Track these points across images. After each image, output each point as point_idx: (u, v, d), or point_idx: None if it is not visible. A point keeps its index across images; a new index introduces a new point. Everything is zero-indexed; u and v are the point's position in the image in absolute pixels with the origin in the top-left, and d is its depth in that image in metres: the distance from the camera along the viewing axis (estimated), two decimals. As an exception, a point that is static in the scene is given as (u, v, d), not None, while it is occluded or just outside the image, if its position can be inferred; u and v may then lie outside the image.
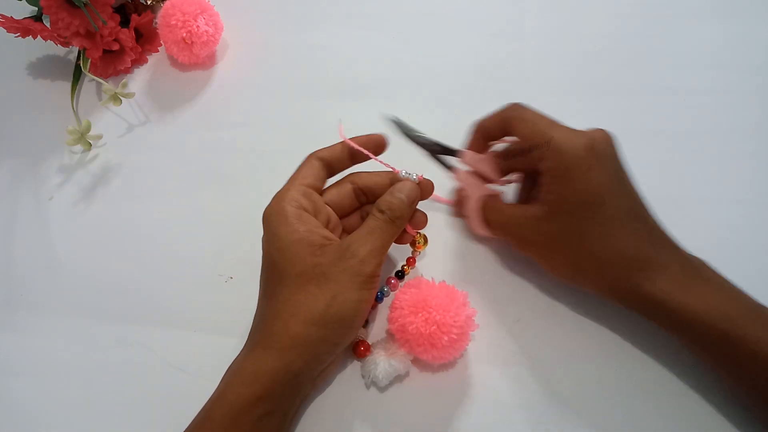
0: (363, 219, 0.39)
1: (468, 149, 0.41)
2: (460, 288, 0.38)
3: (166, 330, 0.41)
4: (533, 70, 0.51)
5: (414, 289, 0.37)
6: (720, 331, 0.33)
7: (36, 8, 0.50)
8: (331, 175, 0.39)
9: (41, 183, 0.48)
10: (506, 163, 0.39)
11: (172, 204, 0.47)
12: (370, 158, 0.39)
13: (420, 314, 0.35)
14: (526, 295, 0.41)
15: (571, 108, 0.43)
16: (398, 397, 0.38)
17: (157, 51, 0.54)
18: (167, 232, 0.45)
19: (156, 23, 0.52)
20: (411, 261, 0.41)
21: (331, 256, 0.34)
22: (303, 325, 0.33)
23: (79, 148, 0.49)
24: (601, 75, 0.51)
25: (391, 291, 0.41)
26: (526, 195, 0.41)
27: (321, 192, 0.39)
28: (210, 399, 0.34)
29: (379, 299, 0.40)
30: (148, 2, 0.55)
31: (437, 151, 0.42)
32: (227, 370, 0.34)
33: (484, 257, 0.43)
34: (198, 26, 0.49)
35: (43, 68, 0.54)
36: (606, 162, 0.35)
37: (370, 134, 0.39)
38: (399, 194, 0.36)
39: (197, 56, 0.51)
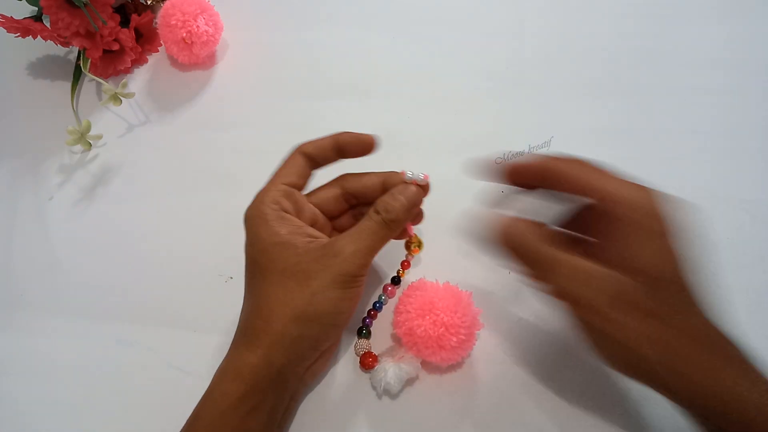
0: (356, 220, 0.38)
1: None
2: (461, 288, 0.38)
3: (166, 330, 0.41)
4: (533, 70, 0.51)
5: (419, 292, 0.37)
6: None
7: (36, 8, 0.50)
8: (316, 168, 0.39)
9: (41, 183, 0.48)
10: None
11: (172, 204, 0.47)
12: (359, 156, 0.38)
13: (427, 317, 0.35)
14: (526, 295, 0.41)
15: (571, 108, 0.43)
16: (411, 402, 0.38)
17: (157, 51, 0.54)
18: (167, 232, 0.45)
19: (156, 23, 0.52)
20: (405, 264, 0.41)
21: (314, 254, 0.33)
22: (283, 321, 0.33)
23: (79, 148, 0.49)
24: (601, 75, 0.51)
25: (389, 298, 0.41)
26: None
27: (305, 188, 0.38)
28: (201, 398, 0.34)
29: (377, 308, 0.40)
30: (148, 2, 0.55)
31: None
32: (217, 369, 0.34)
33: (483, 257, 0.43)
34: (198, 26, 0.49)
35: (43, 68, 0.54)
36: (672, 225, 0.29)
37: (360, 134, 0.38)
38: (399, 197, 0.35)
39: (197, 56, 0.51)
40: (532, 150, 0.38)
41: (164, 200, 0.47)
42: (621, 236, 0.29)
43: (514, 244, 0.31)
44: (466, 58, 0.52)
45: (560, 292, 0.30)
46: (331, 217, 0.39)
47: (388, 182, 0.37)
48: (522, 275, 0.31)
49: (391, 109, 0.50)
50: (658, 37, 0.52)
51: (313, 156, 0.38)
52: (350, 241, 0.34)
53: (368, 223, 0.35)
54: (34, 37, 0.49)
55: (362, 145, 0.38)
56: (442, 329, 0.35)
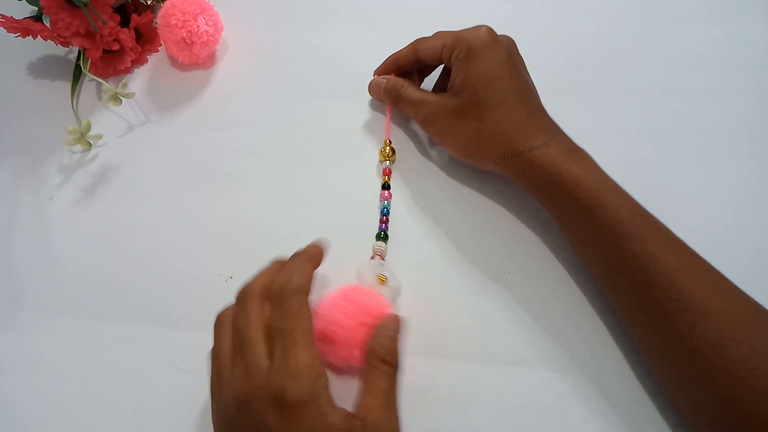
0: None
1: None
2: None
3: (166, 330, 0.41)
4: (532, 70, 0.51)
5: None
6: (587, 199, 0.36)
7: (36, 8, 0.50)
8: None
9: (41, 183, 0.48)
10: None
11: (172, 204, 0.47)
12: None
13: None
14: (527, 294, 0.41)
15: (568, 108, 0.43)
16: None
17: (157, 51, 0.54)
18: (167, 231, 0.45)
19: (156, 23, 0.52)
20: (387, 171, 0.46)
21: None
22: None
23: (79, 148, 0.49)
24: (599, 75, 0.51)
25: (389, 202, 0.44)
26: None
27: None
28: None
29: (385, 213, 0.44)
30: (148, 2, 0.55)
31: None
32: None
33: (486, 255, 0.43)
34: (198, 26, 0.49)
35: (43, 68, 0.54)
36: (504, 48, 0.41)
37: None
38: (387, 332, 0.34)
39: (197, 56, 0.51)
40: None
41: (164, 200, 0.47)
42: (453, 71, 0.42)
43: (391, 93, 0.46)
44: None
45: (415, 116, 0.45)
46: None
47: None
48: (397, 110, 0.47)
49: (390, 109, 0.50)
50: (655, 37, 0.52)
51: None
52: (382, 413, 0.31)
53: (385, 383, 0.32)
54: (34, 37, 0.49)
55: (323, 256, 0.37)
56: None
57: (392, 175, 0.46)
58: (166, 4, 0.50)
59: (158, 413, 0.38)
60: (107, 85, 0.47)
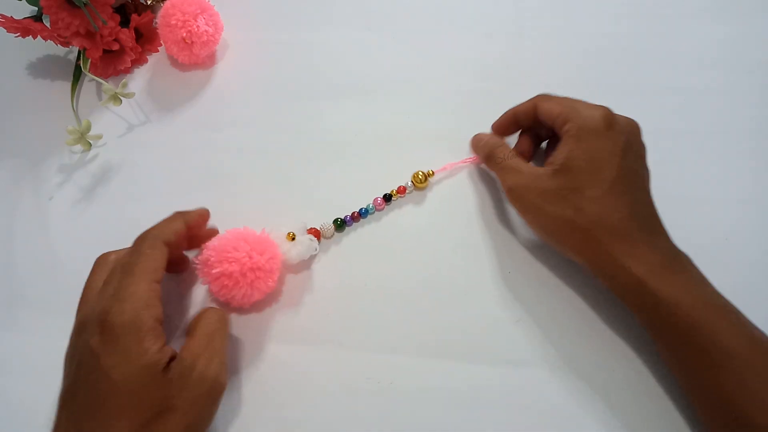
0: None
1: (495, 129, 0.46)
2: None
3: (166, 329, 0.41)
4: (532, 70, 0.51)
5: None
6: (684, 322, 0.33)
7: (36, 8, 0.50)
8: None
9: (41, 183, 0.48)
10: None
11: (172, 204, 0.46)
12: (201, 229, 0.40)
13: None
14: (527, 294, 0.41)
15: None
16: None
17: (157, 51, 0.54)
18: (167, 232, 0.45)
19: (156, 23, 0.52)
20: (401, 189, 0.44)
21: (178, 383, 0.31)
22: None
23: (79, 148, 0.49)
24: (600, 75, 0.51)
25: (377, 210, 0.44)
26: None
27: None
28: None
29: (363, 214, 0.43)
30: (148, 2, 0.55)
31: None
32: None
33: (486, 255, 0.43)
34: (198, 26, 0.49)
35: (43, 68, 0.54)
36: (619, 135, 0.37)
37: (196, 210, 0.40)
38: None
39: (197, 56, 0.51)
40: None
41: (164, 200, 0.47)
42: (559, 145, 0.38)
43: (484, 151, 0.44)
44: (466, 58, 0.52)
45: (503, 183, 0.41)
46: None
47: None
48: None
49: (390, 109, 0.50)
50: (655, 37, 0.52)
51: (175, 244, 0.37)
52: (202, 355, 0.33)
53: (209, 326, 0.35)
54: (34, 37, 0.49)
55: (203, 218, 0.40)
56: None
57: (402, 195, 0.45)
58: (166, 4, 0.50)
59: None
60: (107, 85, 0.47)
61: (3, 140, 0.51)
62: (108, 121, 0.51)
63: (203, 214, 0.40)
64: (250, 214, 0.45)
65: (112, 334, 0.31)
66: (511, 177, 0.40)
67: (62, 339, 0.41)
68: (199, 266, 0.39)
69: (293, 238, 0.41)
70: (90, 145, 0.48)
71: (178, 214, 0.38)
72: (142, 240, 0.36)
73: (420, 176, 0.45)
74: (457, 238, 0.44)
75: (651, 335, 0.36)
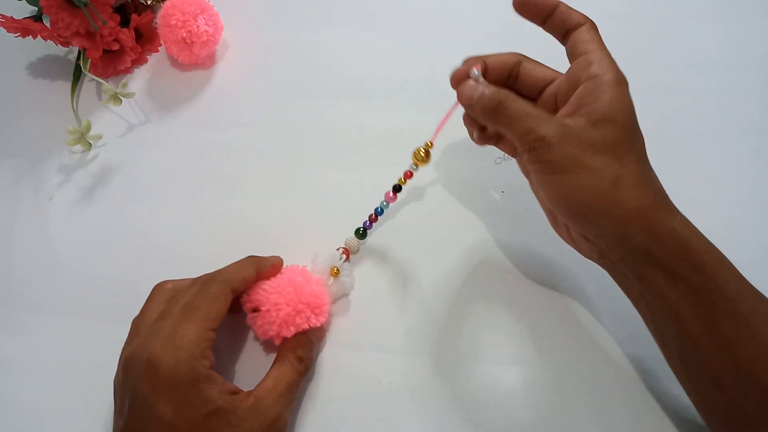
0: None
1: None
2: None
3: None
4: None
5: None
6: (714, 280, 0.32)
7: (36, 8, 0.50)
8: None
9: (41, 183, 0.48)
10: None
11: (172, 204, 0.47)
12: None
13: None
14: (527, 294, 0.41)
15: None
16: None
17: (157, 51, 0.54)
18: (167, 232, 0.45)
19: (156, 23, 0.52)
20: (408, 174, 0.41)
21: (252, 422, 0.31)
22: None
23: (79, 148, 0.49)
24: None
25: (389, 204, 0.42)
26: None
27: None
28: None
29: (378, 212, 0.42)
30: (148, 2, 0.55)
31: None
32: None
33: (487, 254, 0.43)
34: (198, 26, 0.49)
35: (43, 68, 0.54)
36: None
37: (268, 258, 0.38)
38: (310, 336, 0.37)
39: (197, 56, 0.51)
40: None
41: (164, 200, 0.47)
42: (585, 89, 0.33)
43: (488, 101, 0.34)
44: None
45: (528, 133, 0.32)
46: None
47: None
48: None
49: (391, 109, 0.50)
50: (655, 37, 0.52)
51: (238, 293, 0.36)
52: (275, 397, 0.33)
53: (292, 376, 0.35)
54: (34, 37, 0.49)
55: (276, 269, 0.38)
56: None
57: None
58: (166, 4, 0.50)
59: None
60: (107, 85, 0.47)
61: (3, 140, 0.51)
62: (108, 121, 0.51)
63: (277, 264, 0.38)
64: (250, 214, 0.45)
65: (170, 383, 0.30)
66: (541, 127, 0.31)
67: (62, 339, 0.42)
68: (249, 317, 0.38)
69: (337, 273, 0.40)
70: (90, 145, 0.48)
71: (252, 261, 0.37)
72: (210, 282, 0.34)
73: (421, 153, 0.40)
74: (456, 238, 0.44)
75: (676, 302, 0.31)
